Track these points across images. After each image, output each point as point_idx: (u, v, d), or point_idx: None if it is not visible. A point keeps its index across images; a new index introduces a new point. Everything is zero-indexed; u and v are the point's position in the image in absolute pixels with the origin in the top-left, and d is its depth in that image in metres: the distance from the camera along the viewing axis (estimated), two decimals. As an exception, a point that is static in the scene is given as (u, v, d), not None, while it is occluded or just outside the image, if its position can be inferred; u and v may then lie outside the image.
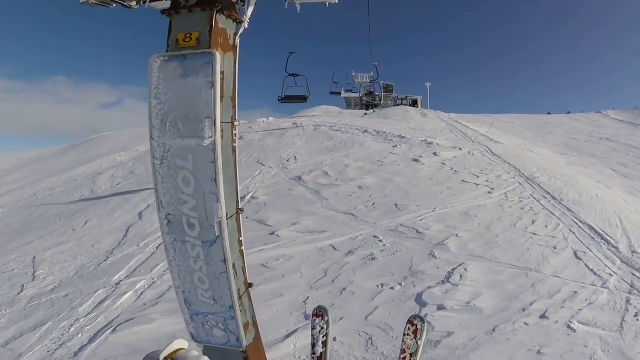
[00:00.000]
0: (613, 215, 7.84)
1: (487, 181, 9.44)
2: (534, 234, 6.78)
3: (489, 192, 8.69)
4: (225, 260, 2.20)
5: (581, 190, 9.26)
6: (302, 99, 15.59)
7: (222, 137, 2.15)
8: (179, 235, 2.23)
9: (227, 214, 2.20)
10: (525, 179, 9.72)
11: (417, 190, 8.77)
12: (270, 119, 30.37)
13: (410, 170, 10.11)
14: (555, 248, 6.29)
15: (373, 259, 6.03)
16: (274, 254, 6.37)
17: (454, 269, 5.68)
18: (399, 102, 37.52)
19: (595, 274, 5.46)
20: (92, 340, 4.45)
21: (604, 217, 7.68)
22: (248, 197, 9.11)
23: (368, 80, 36.10)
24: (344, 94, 36.70)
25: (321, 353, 2.26)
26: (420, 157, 11.23)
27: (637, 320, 4.27)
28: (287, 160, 12.02)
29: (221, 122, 2.12)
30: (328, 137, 15.02)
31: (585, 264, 5.75)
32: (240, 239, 2.51)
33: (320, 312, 2.36)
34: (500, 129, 20.19)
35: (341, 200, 8.39)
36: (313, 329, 2.39)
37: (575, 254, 6.08)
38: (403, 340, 2.17)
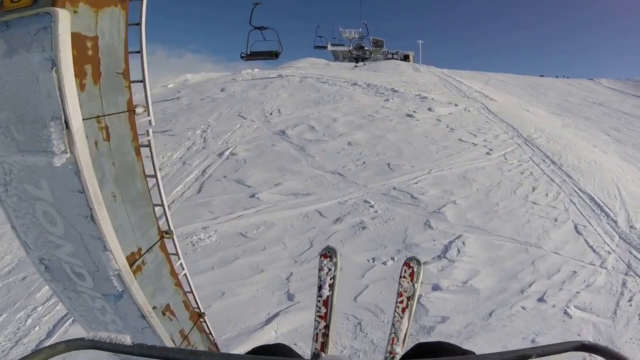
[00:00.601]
0: (611, 184, 7.49)
1: (485, 141, 8.88)
2: (534, 203, 6.32)
3: (487, 153, 8.13)
4: (144, 317, 1.51)
5: (579, 155, 8.83)
6: (272, 54, 13.19)
7: (97, 147, 1.35)
8: (68, 284, 1.50)
9: (132, 261, 1.47)
10: (523, 140, 9.19)
11: (412, 149, 8.13)
12: (256, 70, 29.03)
13: (403, 127, 9.42)
14: (556, 220, 5.88)
15: (363, 228, 5.46)
16: (253, 220, 5.72)
17: (451, 242, 5.19)
18: (389, 56, 36.25)
19: (594, 251, 5.17)
20: (50, 333, 3.80)
21: (603, 186, 7.31)
22: (227, 152, 8.34)
23: (357, 36, 34.87)
24: (330, 47, 35.29)
25: (327, 297, 2.04)
26: (414, 112, 10.52)
27: (630, 305, 4.06)
28: (271, 113, 11.17)
29: (95, 118, 1.32)
30: (315, 89, 14.12)
31: (585, 240, 5.43)
32: (179, 262, 1.86)
33: (328, 253, 2.09)
34: (494, 87, 19.48)
35: (328, 158, 7.71)
36: (320, 270, 2.14)
37: (575, 227, 5.73)
38: (399, 283, 2.05)
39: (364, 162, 7.48)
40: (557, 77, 32.78)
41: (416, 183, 6.66)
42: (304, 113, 10.96)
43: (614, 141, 13.37)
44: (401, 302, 2.04)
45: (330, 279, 2.10)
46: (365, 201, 6.11)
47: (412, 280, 2.00)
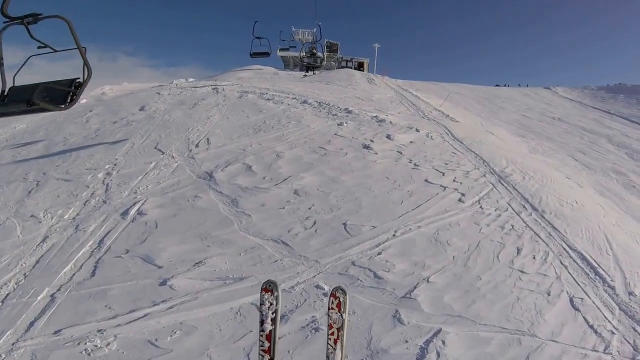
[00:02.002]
0: (599, 232, 6.83)
1: (454, 181, 7.96)
2: (522, 271, 5.44)
3: (460, 200, 7.18)
4: None
5: (559, 194, 8.14)
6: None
7: None
8: None
9: None
10: (497, 178, 8.37)
11: (371, 198, 7.01)
12: (191, 79, 26.88)
13: (361, 163, 8.32)
14: (549, 294, 5.06)
15: (317, 330, 4.26)
16: (166, 321, 4.34)
17: (428, 342, 4.18)
18: (343, 64, 35.44)
19: (596, 332, 4.45)
20: None
21: (591, 237, 6.63)
22: (133, 210, 6.77)
23: (310, 38, 33.61)
24: (280, 52, 34.39)
25: (270, 331, 2.23)
26: (372, 141, 9.48)
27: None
28: (197, 145, 9.68)
29: None
30: (256, 109, 12.76)
31: (584, 317, 4.69)
32: None
33: (269, 287, 2.30)
34: (451, 101, 18.99)
35: (269, 217, 6.41)
36: (262, 304, 2.28)
37: (571, 301, 4.97)
38: (328, 315, 2.24)
39: (314, 222, 6.24)
40: (507, 85, 33.34)
41: (379, 253, 5.52)
42: (240, 144, 9.58)
43: (584, 167, 12.95)
44: (332, 334, 2.20)
45: (272, 313, 2.22)
46: (318, 286, 4.88)
47: (339, 310, 2.17)
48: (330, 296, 2.22)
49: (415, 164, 8.49)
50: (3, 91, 4.98)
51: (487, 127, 14.58)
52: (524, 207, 7.25)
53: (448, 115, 13.70)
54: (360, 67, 35.59)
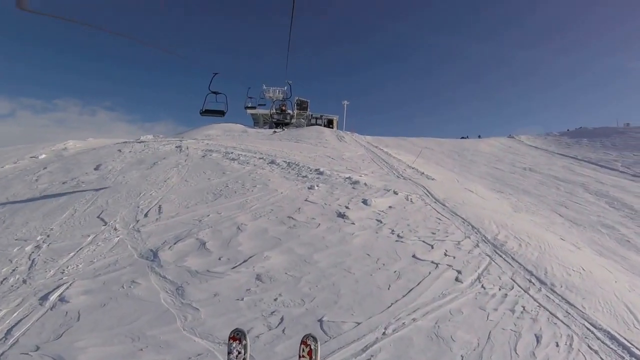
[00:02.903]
0: (618, 303, 5.82)
1: (446, 254, 6.78)
2: (549, 368, 4.27)
3: (457, 279, 5.98)
4: None
5: (562, 262, 7.07)
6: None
7: None
8: None
9: None
10: (492, 247, 7.27)
11: (352, 283, 5.71)
12: (159, 136, 25.97)
13: (336, 237, 7.07)
14: None
15: None
16: None
17: None
18: (313, 121, 35.25)
19: None
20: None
21: (612, 309, 5.61)
22: (53, 297, 5.29)
23: (281, 96, 33.68)
24: (249, 111, 34.67)
25: None
26: (347, 208, 8.37)
27: None
28: (146, 214, 8.38)
29: None
30: (219, 170, 11.73)
31: None
32: None
33: (237, 335, 2.27)
34: (423, 157, 18.43)
35: (223, 312, 4.99)
36: (229, 353, 2.27)
37: None
38: None
39: (281, 319, 4.83)
40: (473, 136, 33.66)
41: (368, 362, 4.21)
42: (195, 213, 8.30)
43: (572, 224, 12.11)
44: (304, 382, 1.87)
45: None
46: None
47: (310, 358, 2.22)
48: (300, 344, 2.13)
49: (398, 236, 7.35)
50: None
51: (464, 184, 13.81)
52: (530, 281, 6.14)
53: (423, 173, 12.90)
54: (329, 124, 35.48)
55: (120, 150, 15.88)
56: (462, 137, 33.37)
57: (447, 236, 7.59)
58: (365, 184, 10.13)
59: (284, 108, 31.34)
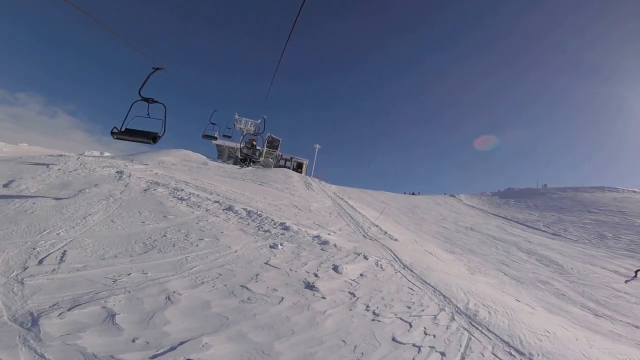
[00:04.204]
0: None
1: (426, 333, 5.27)
2: None
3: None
4: None
5: (529, 326, 6.21)
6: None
7: None
8: None
9: None
10: (466, 319, 5.97)
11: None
12: (106, 154, 22.79)
13: (304, 317, 5.12)
14: None
15: None
16: None
17: None
18: (282, 162, 32.37)
19: None
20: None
21: None
22: None
23: (252, 129, 29.92)
24: (218, 140, 29.54)
25: None
26: (317, 276, 6.50)
27: None
28: (41, 261, 5.88)
29: None
30: (160, 212, 9.18)
31: None
32: None
33: None
34: (383, 213, 16.98)
35: None
36: None
37: None
38: None
39: None
40: (415, 194, 33.05)
41: None
42: (112, 269, 5.84)
43: (516, 282, 11.05)
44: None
45: None
46: None
47: None
48: None
49: (374, 313, 5.58)
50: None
51: (422, 244, 12.37)
52: (510, 354, 5.00)
53: (386, 233, 11.33)
54: (299, 167, 32.19)
55: (47, 166, 12.78)
56: (412, 193, 32.65)
57: (422, 310, 6.07)
58: (335, 245, 8.32)
59: (254, 143, 28.42)
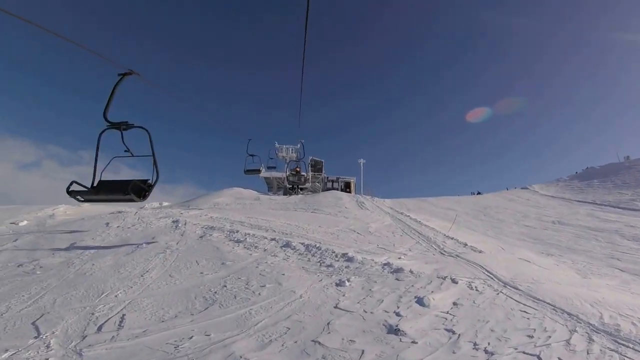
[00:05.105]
0: None
1: None
2: None
3: None
4: None
5: None
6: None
7: None
8: None
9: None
10: (609, 337, 4.70)
11: None
12: (165, 204, 23.03)
13: None
14: None
15: None
16: None
17: None
18: (329, 184, 31.35)
19: None
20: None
21: None
22: None
23: (294, 155, 29.56)
24: (264, 173, 28.74)
25: None
26: (399, 314, 5.29)
27: None
28: (100, 327, 5.32)
29: None
30: (218, 259, 8.58)
31: None
32: None
33: None
34: (449, 220, 15.35)
35: None
36: None
37: None
38: None
39: None
40: (479, 193, 30.44)
41: None
42: (172, 333, 5.12)
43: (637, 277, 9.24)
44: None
45: None
46: None
47: None
48: None
49: (487, 352, 4.27)
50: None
51: (511, 251, 10.69)
52: None
53: (466, 245, 9.86)
54: (347, 187, 30.92)
55: (107, 224, 12.89)
56: (477, 193, 30.25)
57: (549, 337, 4.72)
58: (410, 271, 7.03)
59: (298, 170, 28.06)
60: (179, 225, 12.24)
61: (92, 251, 9.55)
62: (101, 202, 9.52)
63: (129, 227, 12.48)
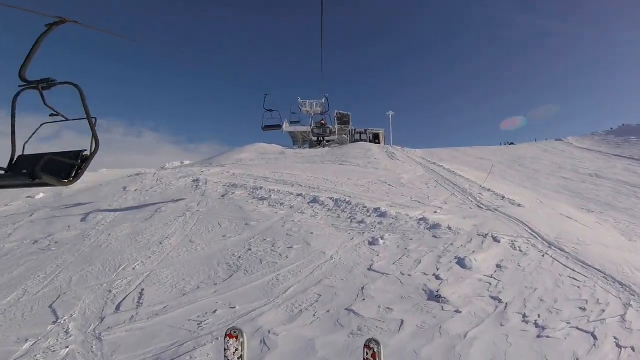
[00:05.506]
0: None
1: (619, 346, 3.78)
2: None
3: None
4: None
5: None
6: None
7: None
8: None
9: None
10: None
11: None
12: (186, 162, 22.98)
13: (439, 350, 3.67)
14: None
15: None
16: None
17: None
18: (357, 136, 30.25)
19: None
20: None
21: None
22: None
23: (319, 110, 28.24)
24: (287, 127, 28.19)
25: None
26: (439, 278, 4.99)
27: None
28: (118, 306, 5.13)
29: None
30: (241, 220, 8.22)
31: None
32: None
33: (234, 333, 2.20)
34: (484, 171, 14.71)
35: None
36: (226, 350, 2.17)
37: None
38: None
39: None
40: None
41: None
42: (194, 307, 4.90)
43: None
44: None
45: (238, 358, 2.16)
46: None
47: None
48: (364, 347, 2.07)
49: (538, 325, 3.99)
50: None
51: (551, 206, 10.14)
52: None
53: (504, 197, 9.34)
54: (376, 139, 29.37)
55: (125, 188, 12.69)
56: (511, 144, 29.01)
57: (603, 311, 4.35)
58: (449, 227, 6.67)
59: (323, 122, 27.28)
60: (200, 184, 11.87)
61: (109, 220, 9.32)
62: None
63: (147, 190, 12.20)
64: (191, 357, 3.79)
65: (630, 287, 4.90)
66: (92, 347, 4.24)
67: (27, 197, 14.22)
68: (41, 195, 14.50)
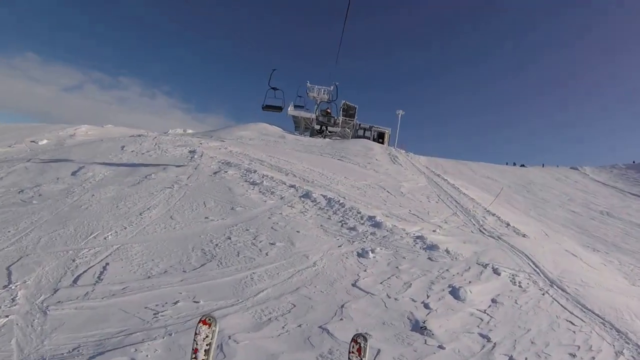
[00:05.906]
0: None
1: None
2: None
3: None
4: None
5: None
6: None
7: None
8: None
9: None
10: None
11: None
12: (189, 131, 23.15)
13: None
14: None
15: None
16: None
17: None
18: (360, 132, 28.97)
19: None
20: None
21: None
22: None
23: (326, 97, 27.77)
24: (291, 111, 27.59)
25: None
26: (427, 307, 4.58)
27: None
28: (76, 279, 4.77)
29: None
30: (227, 203, 7.94)
31: None
32: None
33: (208, 320, 2.23)
34: (490, 192, 14.26)
35: None
36: (197, 334, 2.20)
37: None
38: (349, 358, 2.13)
39: None
40: (522, 165, 28.61)
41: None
42: (155, 294, 4.52)
43: None
44: (353, 377, 2.11)
45: (207, 345, 2.20)
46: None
47: (359, 355, 2.09)
48: (351, 342, 2.08)
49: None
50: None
51: (556, 240, 9.73)
52: None
53: (509, 225, 8.93)
54: (380, 138, 28.36)
55: (123, 147, 12.73)
56: (521, 166, 28.42)
57: (593, 358, 4.09)
58: (447, 251, 6.28)
59: (329, 111, 26.77)
60: (195, 157, 11.81)
61: (97, 178, 9.24)
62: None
63: (143, 153, 12.21)
64: (136, 350, 3.40)
65: (626, 334, 4.62)
66: (33, 320, 3.87)
67: (31, 141, 14.34)
68: (45, 141, 14.60)
